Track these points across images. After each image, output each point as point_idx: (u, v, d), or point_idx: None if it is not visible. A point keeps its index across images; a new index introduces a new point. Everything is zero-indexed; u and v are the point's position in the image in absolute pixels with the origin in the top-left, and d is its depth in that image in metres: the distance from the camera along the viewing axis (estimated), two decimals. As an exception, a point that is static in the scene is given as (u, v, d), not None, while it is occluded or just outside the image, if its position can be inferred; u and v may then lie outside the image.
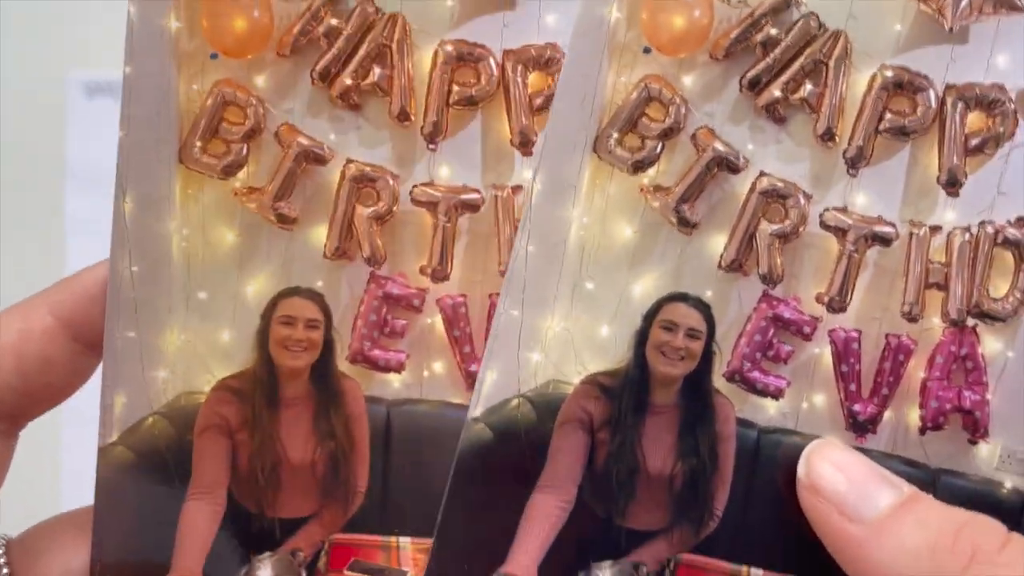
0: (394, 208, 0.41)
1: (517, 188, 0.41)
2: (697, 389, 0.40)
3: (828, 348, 0.40)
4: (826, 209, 0.40)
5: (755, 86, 0.40)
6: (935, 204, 0.40)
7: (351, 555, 0.42)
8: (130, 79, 0.39)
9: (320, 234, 0.41)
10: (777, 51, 0.40)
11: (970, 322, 0.40)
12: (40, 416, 0.43)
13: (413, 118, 0.41)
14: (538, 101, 0.41)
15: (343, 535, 0.41)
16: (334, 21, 0.41)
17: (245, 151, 0.41)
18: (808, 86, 0.40)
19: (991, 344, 0.40)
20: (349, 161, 0.41)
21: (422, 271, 0.41)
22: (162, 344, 0.41)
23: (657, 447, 0.40)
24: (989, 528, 0.35)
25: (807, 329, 0.40)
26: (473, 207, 0.41)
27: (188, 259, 0.41)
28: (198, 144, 0.41)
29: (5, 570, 0.41)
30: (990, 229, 0.40)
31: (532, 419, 0.40)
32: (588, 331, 0.40)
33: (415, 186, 0.41)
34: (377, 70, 0.41)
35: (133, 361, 0.41)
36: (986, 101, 0.39)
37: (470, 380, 0.41)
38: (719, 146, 0.40)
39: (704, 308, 0.41)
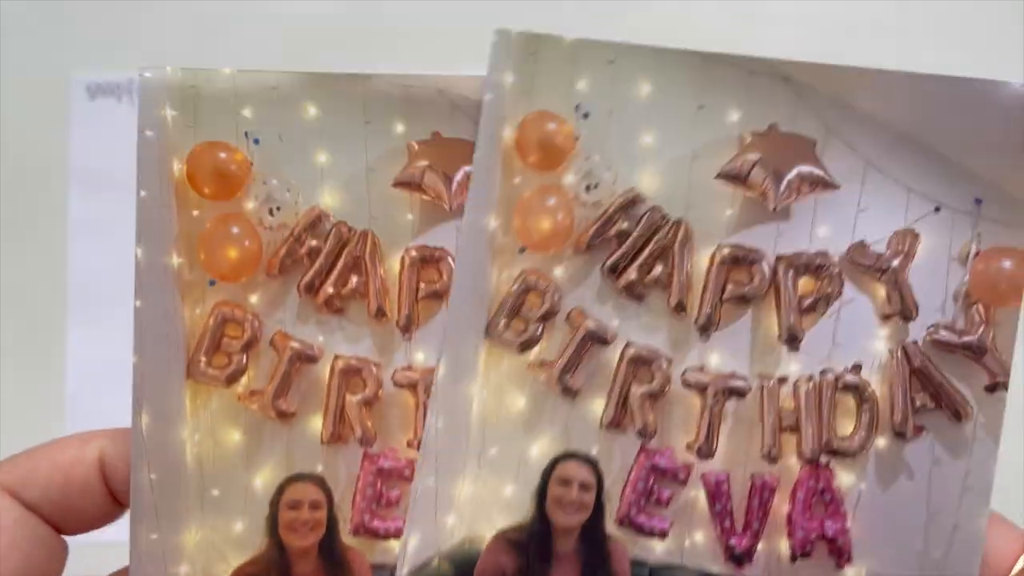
0: (379, 392, 0.47)
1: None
2: (593, 536, 0.46)
3: (702, 490, 0.46)
4: (686, 370, 0.46)
5: (615, 271, 0.47)
6: (780, 358, 0.46)
7: None
8: (140, 312, 0.46)
9: (316, 423, 0.47)
10: (629, 241, 0.47)
11: (823, 459, 0.45)
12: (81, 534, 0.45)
13: (389, 314, 0.48)
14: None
15: None
16: (314, 242, 0.48)
17: (245, 360, 0.47)
18: (659, 267, 0.47)
19: (845, 477, 0.45)
20: (337, 357, 0.48)
21: (409, 444, 0.47)
22: (182, 542, 0.47)
23: (563, 591, 0.46)
24: None
25: (681, 475, 0.46)
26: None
27: (200, 462, 0.47)
28: (203, 359, 0.47)
29: None
30: (831, 376, 0.46)
31: None
32: (495, 492, 0.47)
33: (396, 371, 0.48)
34: (354, 278, 0.48)
35: (156, 561, 0.47)
36: (813, 266, 0.46)
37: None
38: (590, 324, 0.47)
39: (592, 463, 0.47)
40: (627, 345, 0.47)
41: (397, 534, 0.46)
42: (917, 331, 0.45)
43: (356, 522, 0.47)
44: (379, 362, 0.48)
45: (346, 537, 0.47)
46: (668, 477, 0.46)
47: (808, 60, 0.46)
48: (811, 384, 0.45)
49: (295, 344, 0.48)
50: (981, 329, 0.44)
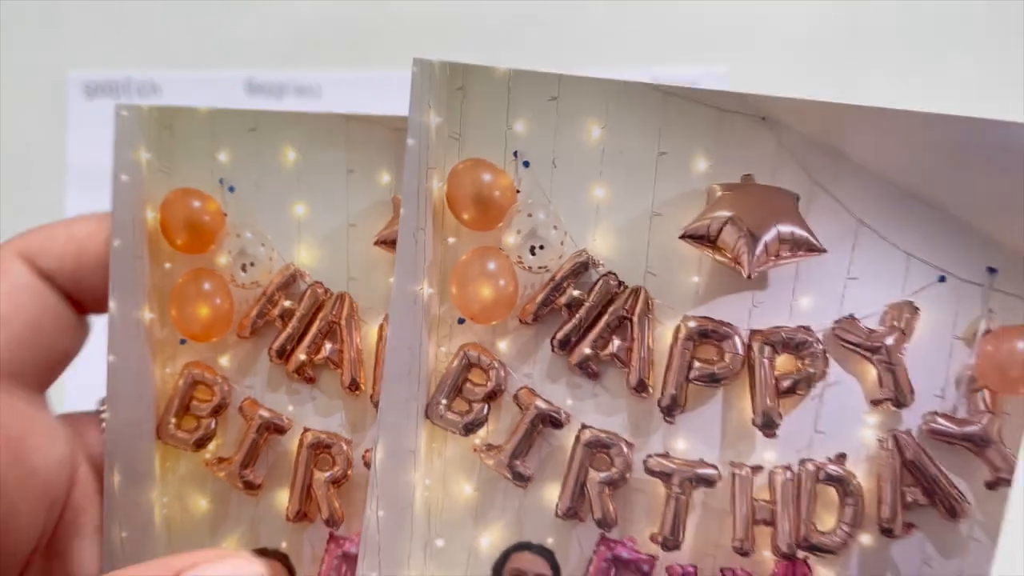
0: (348, 472, 0.45)
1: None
2: (551, 630, 0.44)
3: (668, 584, 0.43)
4: (649, 456, 0.41)
5: (565, 346, 0.42)
6: (754, 445, 0.41)
7: None
8: (113, 366, 0.44)
9: (283, 498, 0.45)
10: (582, 311, 0.41)
11: (801, 554, 0.41)
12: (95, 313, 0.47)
13: (363, 387, 0.45)
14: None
15: None
16: (287, 303, 0.45)
17: (213, 425, 0.46)
18: (616, 342, 0.41)
19: (824, 574, 0.41)
20: (306, 430, 0.45)
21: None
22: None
23: None
24: None
25: (645, 567, 0.42)
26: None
27: (169, 525, 0.46)
28: (172, 421, 0.46)
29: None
30: (811, 467, 0.40)
31: None
32: (443, 584, 0.44)
33: (367, 450, 0.45)
34: (328, 345, 0.45)
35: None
36: (793, 344, 0.40)
37: None
38: (540, 403, 0.42)
39: (548, 554, 0.43)
40: (582, 428, 0.42)
41: None
42: (912, 419, 0.39)
43: None
44: (350, 439, 0.45)
45: None
46: (631, 569, 0.42)
47: (788, 96, 0.38)
48: (789, 475, 0.40)
49: (264, 413, 0.45)
50: (986, 419, 0.38)
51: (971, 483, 0.39)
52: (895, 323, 0.39)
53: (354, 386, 0.45)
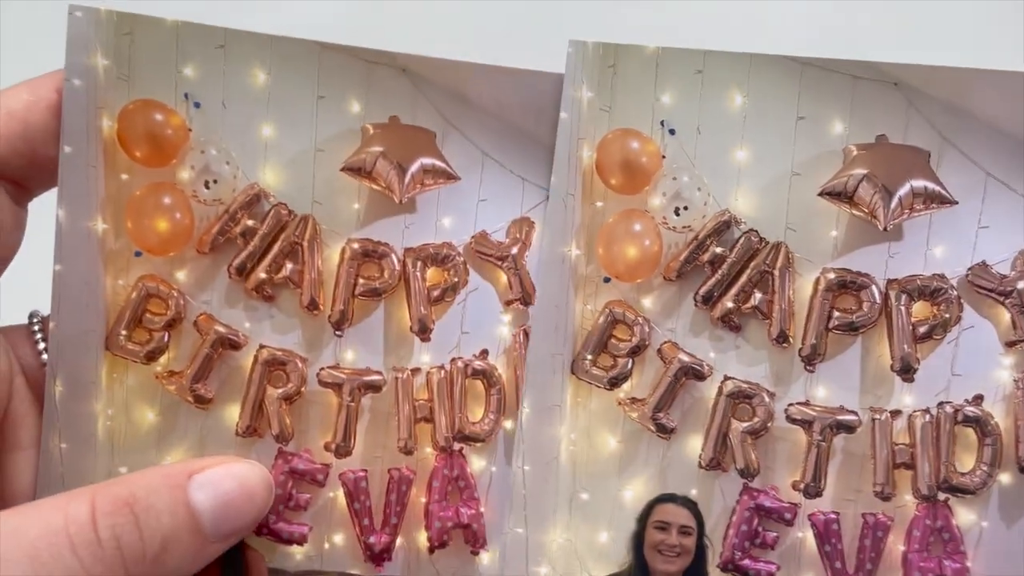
0: (302, 389, 0.46)
1: (415, 370, 0.46)
2: (695, 582, 0.45)
3: (810, 531, 0.44)
4: (790, 404, 0.44)
5: (708, 300, 0.45)
6: (892, 390, 0.44)
7: None
8: (60, 275, 0.44)
9: (233, 413, 0.46)
10: (724, 267, 0.45)
11: (941, 496, 0.43)
12: (43, 192, 0.45)
13: (322, 307, 0.46)
14: (435, 293, 0.46)
15: None
16: (250, 222, 0.46)
17: (166, 338, 0.46)
18: (757, 295, 0.45)
19: (964, 516, 0.43)
20: (262, 347, 0.46)
21: (326, 447, 0.46)
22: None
23: (666, 640, 0.45)
24: None
25: (788, 515, 0.44)
26: (375, 388, 0.46)
27: (112, 437, 0.46)
28: (123, 333, 0.46)
29: (41, 344, 0.45)
30: (949, 409, 0.43)
31: None
32: (588, 539, 0.45)
33: (322, 369, 0.46)
34: (289, 265, 0.46)
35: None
36: (928, 291, 0.43)
37: (369, 552, 0.45)
38: (684, 357, 0.45)
39: (692, 505, 0.45)
40: (725, 379, 0.45)
41: (300, 540, 0.45)
42: (1045, 358, 0.43)
43: (261, 522, 0.44)
44: (306, 357, 0.46)
45: (248, 537, 0.45)
46: (774, 518, 0.44)
47: (919, 62, 0.43)
48: (928, 417, 0.43)
49: (220, 328, 0.46)
50: (1116, 356, 0.42)
51: (1105, 420, 0.42)
52: (1025, 268, 0.42)
53: (313, 306, 0.46)
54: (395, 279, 0.45)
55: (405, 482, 0.45)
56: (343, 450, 0.46)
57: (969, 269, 0.43)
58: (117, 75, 0.45)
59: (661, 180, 0.45)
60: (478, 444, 0.45)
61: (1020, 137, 0.42)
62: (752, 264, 0.44)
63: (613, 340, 0.46)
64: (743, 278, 0.44)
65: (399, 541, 0.45)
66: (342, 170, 0.45)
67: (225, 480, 0.40)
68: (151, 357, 0.46)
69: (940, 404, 0.43)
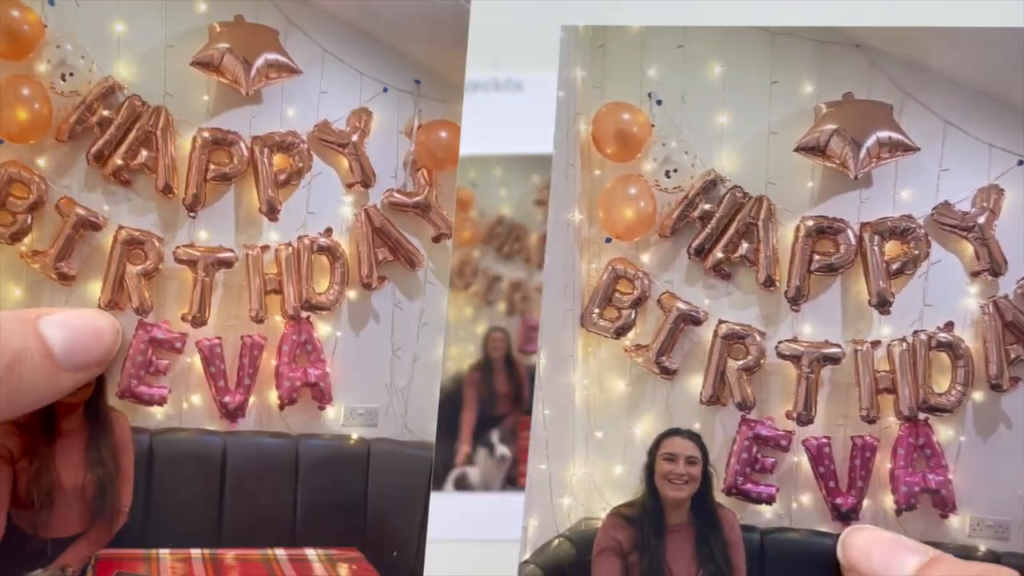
0: (160, 266, 0.51)
1: (265, 247, 0.51)
2: (703, 506, 0.50)
3: (805, 455, 0.49)
4: (780, 342, 0.49)
5: (700, 253, 0.50)
6: (871, 323, 0.49)
7: (115, 568, 0.50)
8: None
9: (95, 289, 0.51)
10: (713, 222, 0.50)
11: (922, 416, 0.48)
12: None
13: (176, 191, 0.51)
14: (282, 177, 0.51)
15: (108, 550, 0.50)
16: (106, 112, 0.51)
17: (30, 220, 0.51)
18: (744, 245, 0.50)
19: (944, 432, 0.48)
20: (120, 228, 0.51)
21: (183, 318, 0.51)
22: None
23: (680, 561, 0.50)
24: (1005, 572, 0.43)
25: (784, 442, 0.49)
26: (227, 264, 0.51)
27: None
28: None
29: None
30: (923, 337, 0.48)
31: (572, 554, 0.50)
32: (605, 472, 0.51)
33: (178, 247, 0.51)
34: (144, 152, 0.51)
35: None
36: (898, 231, 0.48)
37: (224, 410, 0.51)
38: (681, 305, 0.50)
39: (696, 438, 0.51)
40: (719, 323, 0.50)
41: (160, 401, 0.50)
42: (1007, 285, 0.47)
43: (123, 386, 0.50)
44: (162, 237, 0.51)
45: (112, 399, 0.50)
46: (771, 445, 0.50)
47: (877, 25, 0.48)
48: (905, 345, 0.48)
49: (80, 211, 0.51)
50: (1072, 278, 0.46)
51: (1065, 336, 0.47)
52: (984, 204, 0.47)
53: (168, 190, 0.51)
54: (244, 165, 0.51)
55: (257, 347, 0.51)
56: (199, 320, 0.51)
57: (934, 209, 0.48)
58: None
59: (652, 147, 0.50)
60: (324, 312, 0.51)
61: (973, 86, 0.47)
62: (738, 217, 0.50)
63: (617, 294, 0.51)
64: (731, 231, 0.50)
65: (252, 400, 0.51)
66: (192, 64, 0.50)
67: (73, 319, 0.46)
68: (15, 238, 0.51)
69: (915, 333, 0.48)
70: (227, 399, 0.51)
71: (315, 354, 0.52)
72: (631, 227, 0.51)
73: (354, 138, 0.51)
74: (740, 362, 0.50)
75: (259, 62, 0.50)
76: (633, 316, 0.51)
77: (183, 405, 0.52)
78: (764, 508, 0.50)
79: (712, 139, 0.50)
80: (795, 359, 0.49)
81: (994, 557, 0.47)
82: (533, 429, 0.51)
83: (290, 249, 0.51)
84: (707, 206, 0.50)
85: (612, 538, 0.51)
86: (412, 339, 0.51)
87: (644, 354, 0.51)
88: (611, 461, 0.51)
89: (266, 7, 0.50)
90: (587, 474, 0.51)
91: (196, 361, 0.51)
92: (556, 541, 0.51)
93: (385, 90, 0.51)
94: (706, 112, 0.50)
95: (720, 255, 0.50)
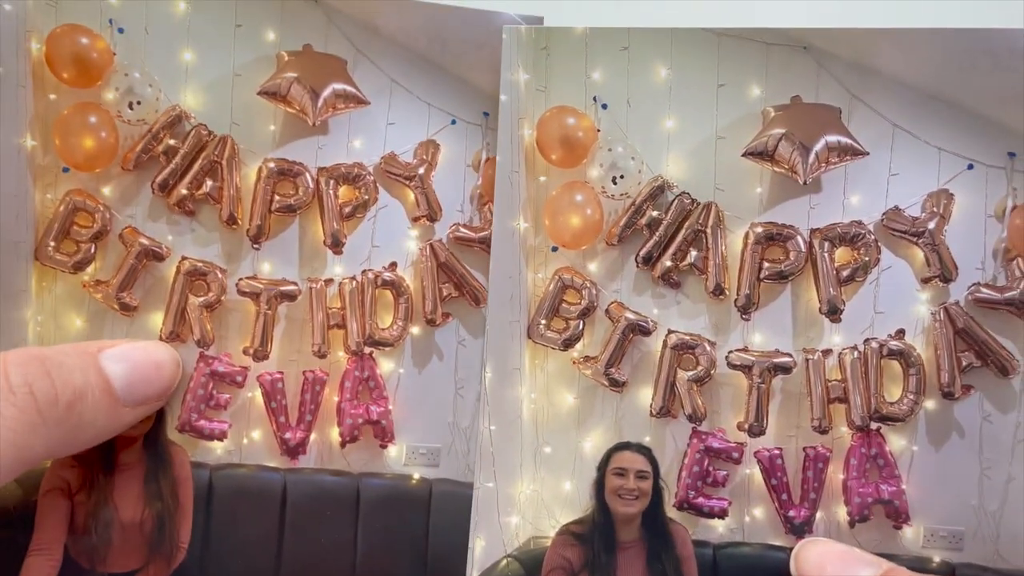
0: (222, 298, 0.50)
1: (328, 281, 0.51)
2: (654, 522, 0.49)
3: (757, 467, 0.49)
4: (730, 351, 0.49)
5: (648, 261, 0.49)
6: (822, 331, 0.48)
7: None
8: None
9: (157, 320, 0.51)
10: (661, 229, 0.49)
11: (874, 425, 0.48)
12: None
13: (240, 222, 0.51)
14: (347, 210, 0.50)
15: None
16: (172, 141, 0.51)
17: (93, 250, 0.50)
18: (693, 253, 0.49)
19: (896, 442, 0.48)
20: (184, 258, 0.50)
21: (245, 352, 0.50)
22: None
23: (630, 576, 0.50)
24: None
25: (735, 454, 0.49)
26: (291, 297, 0.50)
27: (41, 342, 0.50)
28: (52, 244, 0.50)
29: None
30: (875, 344, 0.48)
31: (521, 574, 0.49)
32: (554, 489, 0.50)
33: (241, 279, 0.50)
34: (209, 182, 0.51)
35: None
36: (848, 237, 0.48)
37: (285, 446, 0.50)
38: (630, 315, 0.50)
39: (646, 451, 0.50)
40: (669, 333, 0.49)
41: (220, 436, 0.50)
42: (958, 291, 0.47)
43: (183, 419, 0.50)
44: (225, 268, 0.51)
45: (171, 433, 0.50)
46: (722, 457, 0.49)
47: (824, 26, 0.47)
48: (856, 354, 0.47)
49: (144, 240, 0.51)
50: (1022, 284, 0.46)
51: (1017, 343, 0.46)
52: (935, 209, 0.47)
53: (232, 220, 0.50)
54: (309, 196, 0.50)
55: (319, 383, 0.50)
56: (260, 354, 0.50)
57: (883, 214, 0.47)
58: (46, 1, 0.50)
59: (598, 152, 0.50)
60: (387, 348, 0.50)
61: (921, 88, 0.47)
62: (686, 224, 0.49)
63: (564, 304, 0.50)
64: (679, 238, 0.49)
65: (313, 437, 0.50)
66: (259, 94, 0.50)
67: (133, 352, 0.44)
68: (79, 267, 0.51)
69: (866, 341, 0.48)
70: (288, 435, 0.50)
71: (378, 391, 0.51)
72: (578, 235, 0.50)
73: (421, 171, 0.50)
74: (690, 373, 0.49)
75: (327, 92, 0.50)
76: (581, 327, 0.50)
77: (243, 440, 0.51)
78: (716, 522, 0.49)
79: (659, 144, 0.49)
80: (746, 369, 0.48)
81: (948, 568, 0.47)
82: (479, 446, 0.50)
83: (354, 283, 0.51)
84: (655, 213, 0.49)
85: (562, 556, 0.50)
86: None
87: (593, 366, 0.50)
88: (560, 477, 0.50)
89: (335, 36, 0.50)
90: (535, 491, 0.50)
91: (257, 396, 0.51)
92: (504, 561, 0.50)
93: (453, 122, 0.50)
94: (653, 116, 0.49)
95: (668, 263, 0.49)
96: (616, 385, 0.49)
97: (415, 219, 0.50)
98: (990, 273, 0.47)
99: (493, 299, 0.50)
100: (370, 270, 0.50)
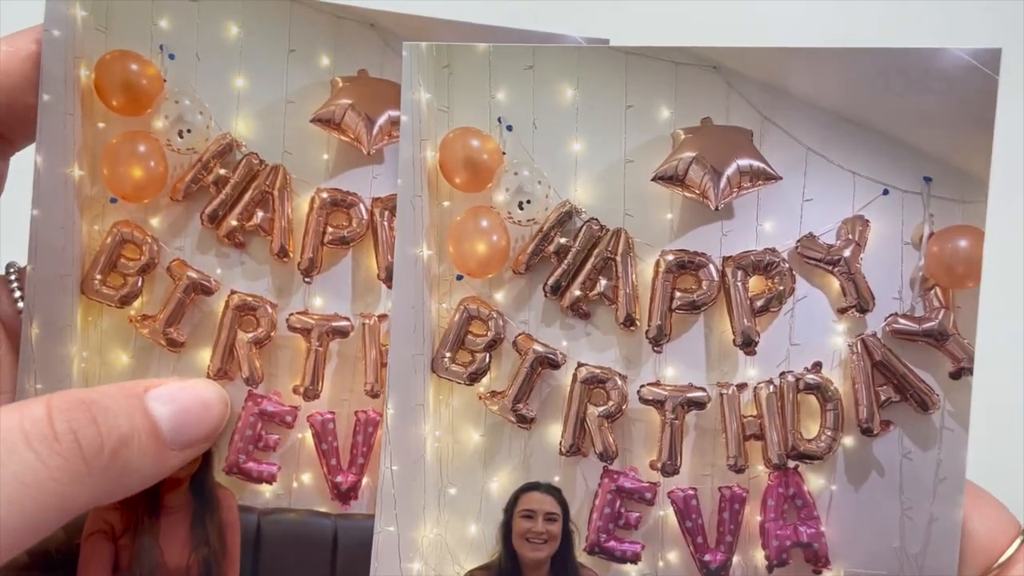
0: (272, 334, 0.49)
1: (383, 316, 0.49)
2: (564, 567, 0.47)
3: (671, 508, 0.47)
4: (642, 386, 0.47)
5: (557, 290, 0.47)
6: (737, 364, 0.47)
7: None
8: (37, 220, 0.47)
9: (205, 356, 0.49)
10: (569, 257, 0.47)
11: (791, 464, 0.46)
12: (23, 147, 0.48)
13: (291, 255, 0.49)
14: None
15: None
16: (222, 171, 0.49)
17: (140, 283, 0.49)
18: (603, 281, 0.47)
19: (815, 481, 0.46)
20: (233, 292, 0.49)
21: (295, 390, 0.49)
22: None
23: (538, 626, 0.48)
24: None
25: (648, 495, 0.47)
26: (343, 333, 0.49)
27: (86, 379, 0.49)
28: (98, 277, 0.49)
29: (17, 293, 0.47)
30: (791, 378, 0.46)
31: None
32: (459, 532, 0.48)
33: (291, 314, 0.49)
34: (260, 213, 0.49)
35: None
36: (762, 265, 0.46)
37: (336, 490, 0.48)
38: (538, 347, 0.47)
39: (556, 492, 0.48)
40: (578, 366, 0.47)
41: (269, 479, 0.48)
42: (875, 322, 0.45)
43: (231, 461, 0.48)
44: (276, 303, 0.49)
45: (218, 475, 0.48)
46: (635, 498, 0.47)
47: (732, 45, 0.46)
48: (772, 388, 0.46)
49: (192, 274, 0.49)
50: (941, 314, 0.44)
51: (937, 376, 0.45)
52: (850, 236, 0.45)
53: (283, 253, 0.49)
54: (363, 228, 0.49)
55: (371, 424, 0.48)
56: (311, 393, 0.48)
57: (798, 241, 0.46)
58: (95, 26, 0.48)
59: (503, 176, 0.48)
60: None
61: (835, 110, 0.45)
62: (595, 252, 0.47)
63: (470, 336, 0.48)
64: (588, 266, 0.47)
65: (365, 481, 0.48)
66: (312, 121, 0.48)
67: (180, 393, 0.44)
68: (125, 301, 0.49)
69: (782, 374, 0.46)
70: (339, 479, 0.48)
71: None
72: (483, 263, 0.48)
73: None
74: (601, 408, 0.47)
75: (382, 119, 0.48)
76: (488, 360, 0.48)
77: (293, 484, 0.49)
78: (629, 567, 0.47)
79: (567, 167, 0.47)
80: (658, 404, 0.47)
81: (870, 614, 0.45)
82: (380, 486, 0.48)
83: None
84: (563, 240, 0.47)
85: (466, 605, 0.48)
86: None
87: (500, 401, 0.48)
88: (465, 520, 0.48)
89: (391, 60, 0.48)
90: (439, 535, 0.48)
91: (307, 437, 0.49)
92: (404, 611, 0.47)
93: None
94: (559, 138, 0.47)
95: (578, 292, 0.47)
96: (524, 421, 0.47)
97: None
98: (908, 303, 0.45)
99: (396, 331, 0.48)
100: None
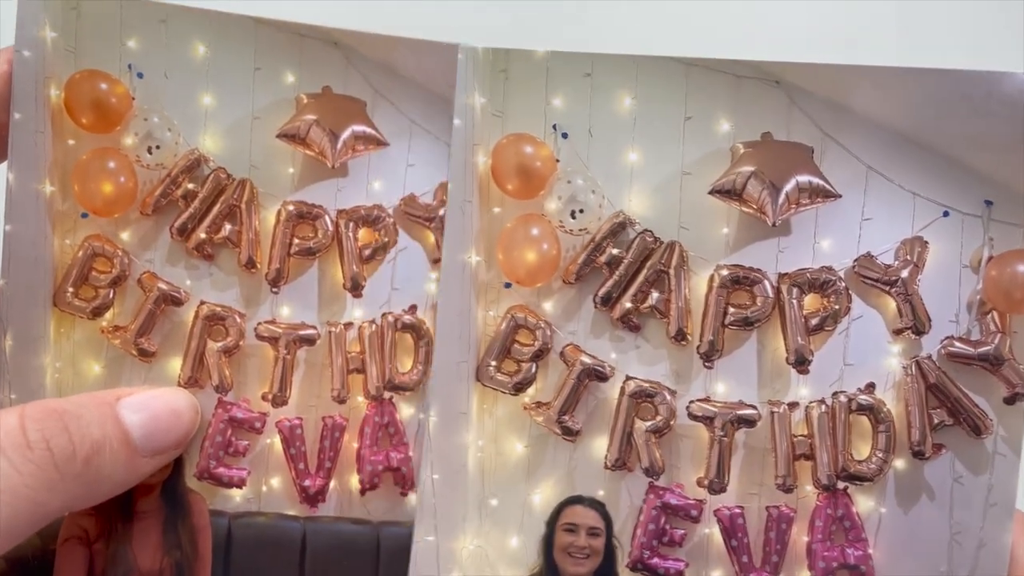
0: (241, 343, 0.50)
1: (348, 325, 0.50)
2: (606, 582, 0.48)
3: (716, 526, 0.47)
4: (691, 401, 0.47)
5: (607, 302, 0.48)
6: (789, 383, 0.47)
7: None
8: (9, 235, 0.48)
9: (175, 365, 0.50)
10: (621, 268, 0.48)
11: (841, 485, 0.46)
12: None
13: (259, 266, 0.50)
14: (366, 252, 0.50)
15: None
16: (191, 185, 0.50)
17: (112, 295, 0.50)
18: (655, 294, 0.48)
19: (864, 503, 0.46)
20: (202, 303, 0.50)
21: (264, 397, 0.50)
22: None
23: (578, 641, 0.48)
24: None
25: (694, 512, 0.47)
26: (310, 341, 0.50)
27: (60, 389, 0.50)
28: (70, 290, 0.50)
29: None
30: (843, 398, 0.46)
31: None
32: (499, 544, 0.48)
33: (259, 323, 0.50)
34: (228, 226, 0.51)
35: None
36: (818, 283, 0.46)
37: (304, 494, 0.49)
38: (586, 359, 0.48)
39: (600, 506, 0.48)
40: (627, 379, 0.48)
41: (239, 484, 0.50)
42: (931, 344, 0.46)
43: (201, 466, 0.49)
44: (244, 313, 0.50)
45: (190, 480, 0.49)
46: (680, 515, 0.47)
47: (798, 61, 0.46)
48: (823, 408, 0.46)
49: (162, 285, 0.51)
50: (997, 339, 0.45)
51: (991, 401, 0.45)
52: (908, 257, 0.46)
53: (251, 264, 0.50)
54: (328, 239, 0.50)
55: (338, 429, 0.49)
56: (279, 400, 0.50)
57: (855, 260, 0.46)
58: (64, 47, 0.50)
59: (556, 184, 0.48)
60: (407, 393, 0.49)
61: (897, 130, 0.46)
62: (648, 264, 0.48)
63: (516, 345, 0.48)
64: (640, 278, 0.48)
65: (332, 484, 0.49)
66: (278, 136, 0.49)
67: (152, 401, 0.45)
68: (97, 313, 0.51)
69: (835, 394, 0.47)
70: (307, 483, 0.49)
71: (397, 437, 0.50)
72: (533, 271, 0.48)
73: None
74: (648, 423, 0.47)
75: (346, 134, 0.49)
76: (534, 370, 0.48)
77: (262, 488, 0.50)
78: (672, 585, 0.48)
79: (621, 177, 0.48)
80: (707, 421, 0.47)
81: (914, 638, 0.46)
82: (420, 496, 0.48)
83: (373, 326, 0.50)
84: (615, 251, 0.48)
85: (505, 619, 0.48)
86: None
87: (545, 412, 0.48)
88: (506, 532, 0.48)
89: (354, 78, 0.49)
90: (479, 547, 0.48)
91: (276, 442, 0.50)
92: (443, 623, 0.47)
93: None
94: (615, 148, 0.47)
95: (628, 305, 0.48)
96: (569, 434, 0.48)
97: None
98: (964, 326, 0.46)
99: (440, 337, 0.48)
100: (390, 313, 0.49)
